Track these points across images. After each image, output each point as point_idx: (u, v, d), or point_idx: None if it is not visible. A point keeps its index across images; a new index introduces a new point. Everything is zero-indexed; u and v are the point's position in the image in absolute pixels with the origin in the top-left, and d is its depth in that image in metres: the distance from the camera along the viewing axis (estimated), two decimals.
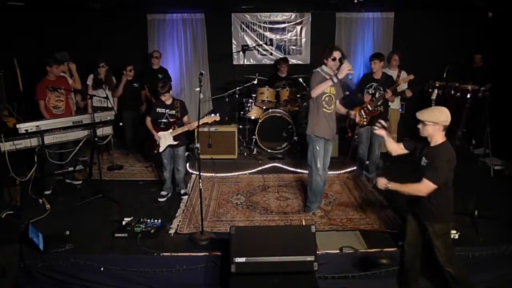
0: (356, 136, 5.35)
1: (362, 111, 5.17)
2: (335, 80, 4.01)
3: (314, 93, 4.10)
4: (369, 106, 5.11)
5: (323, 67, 4.20)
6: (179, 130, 4.75)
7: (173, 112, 4.76)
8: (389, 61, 5.78)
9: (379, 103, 5.08)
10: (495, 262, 3.59)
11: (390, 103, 5.35)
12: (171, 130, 4.76)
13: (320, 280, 3.38)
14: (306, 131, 4.38)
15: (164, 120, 4.77)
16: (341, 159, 6.06)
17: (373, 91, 5.12)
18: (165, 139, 4.78)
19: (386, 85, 5.06)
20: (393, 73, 5.49)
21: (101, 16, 6.86)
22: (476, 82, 6.29)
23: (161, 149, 4.80)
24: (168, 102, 4.75)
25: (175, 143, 4.80)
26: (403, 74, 5.37)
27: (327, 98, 4.18)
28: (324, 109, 4.20)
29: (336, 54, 4.07)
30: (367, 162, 5.51)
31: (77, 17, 6.90)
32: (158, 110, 4.77)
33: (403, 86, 5.51)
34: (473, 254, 3.57)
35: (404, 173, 5.67)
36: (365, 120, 5.17)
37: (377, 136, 5.21)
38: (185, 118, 4.86)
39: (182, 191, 5.03)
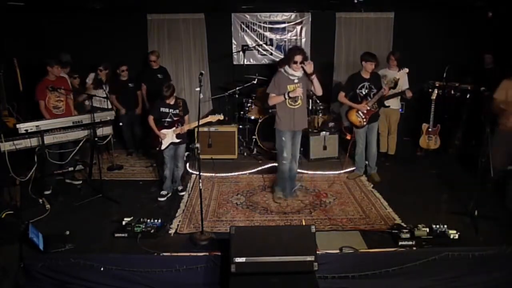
0: (353, 135, 5.40)
1: (360, 112, 5.18)
2: (287, 97, 4.44)
3: (270, 102, 4.62)
4: (367, 106, 5.13)
5: (287, 67, 4.48)
6: (182, 129, 4.78)
7: (177, 111, 4.79)
8: (388, 61, 5.80)
9: (375, 100, 5.13)
10: (495, 262, 3.59)
11: (386, 103, 5.38)
12: (174, 128, 4.77)
13: (320, 280, 3.38)
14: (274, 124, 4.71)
15: (168, 120, 4.79)
16: (341, 158, 6.07)
17: (366, 91, 5.15)
18: (168, 137, 4.80)
19: (377, 83, 5.11)
20: (393, 73, 5.50)
21: (101, 16, 6.86)
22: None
23: (163, 147, 4.82)
24: (172, 102, 4.77)
25: (178, 141, 4.84)
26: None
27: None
28: (290, 106, 4.52)
29: (298, 58, 4.36)
30: (366, 162, 5.53)
31: (77, 17, 6.90)
32: (162, 109, 4.78)
33: (403, 85, 5.51)
34: (473, 254, 3.57)
35: (404, 173, 5.74)
36: (364, 120, 5.19)
37: (373, 134, 5.30)
38: (186, 117, 4.90)
39: (180, 188, 5.08)
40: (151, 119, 4.82)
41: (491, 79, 6.28)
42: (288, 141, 4.63)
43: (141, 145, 6.55)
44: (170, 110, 4.78)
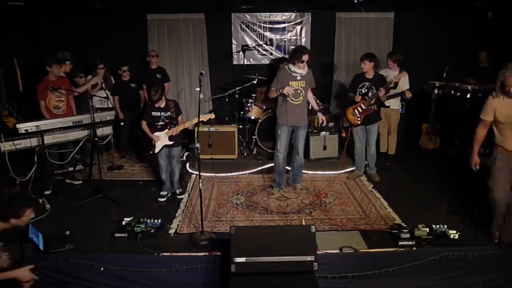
0: (349, 134, 5.41)
1: (356, 110, 5.20)
2: (278, 92, 4.70)
3: (269, 95, 4.93)
4: (362, 105, 5.14)
5: (291, 65, 4.74)
6: (175, 130, 4.72)
7: (168, 113, 4.74)
8: (387, 62, 5.79)
9: (372, 101, 5.12)
10: (495, 262, 3.59)
11: (386, 103, 5.39)
12: (166, 130, 4.74)
13: (320, 280, 3.38)
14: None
15: (160, 123, 4.75)
16: (341, 158, 6.07)
17: (366, 90, 5.16)
18: (160, 139, 4.76)
19: (378, 84, 5.11)
20: (394, 73, 5.50)
21: (101, 16, 6.86)
22: (483, 82, 6.24)
23: (156, 150, 4.78)
24: (163, 105, 4.73)
25: (171, 143, 4.79)
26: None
27: (294, 92, 4.69)
28: (291, 101, 4.73)
29: (305, 57, 4.64)
30: (366, 162, 5.53)
31: (77, 17, 6.90)
32: (154, 113, 4.73)
33: (403, 85, 5.51)
34: (473, 254, 3.57)
35: (404, 173, 5.74)
36: (359, 119, 5.21)
37: (372, 135, 5.31)
38: (179, 118, 4.85)
39: (178, 191, 5.04)
40: (144, 124, 4.79)
41: (486, 78, 6.32)
42: (284, 134, 4.86)
43: (136, 148, 6.50)
44: (162, 113, 4.73)
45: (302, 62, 4.64)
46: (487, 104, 3.65)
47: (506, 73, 3.44)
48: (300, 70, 4.71)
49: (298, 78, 4.74)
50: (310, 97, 5.05)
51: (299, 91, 4.75)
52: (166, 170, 4.93)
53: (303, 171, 5.40)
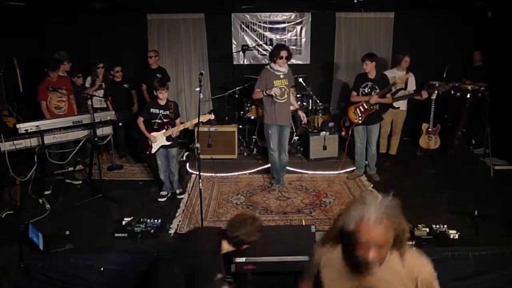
0: (350, 133, 5.40)
1: (358, 109, 5.20)
2: (265, 94, 4.80)
3: (254, 96, 5.02)
4: (364, 104, 5.13)
5: (272, 64, 4.84)
6: (174, 131, 4.71)
7: (167, 112, 4.73)
8: (400, 62, 5.73)
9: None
10: (495, 262, 3.58)
11: (396, 104, 5.42)
12: (164, 130, 4.72)
13: None
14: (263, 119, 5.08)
15: (157, 121, 4.73)
16: (341, 158, 6.07)
17: (368, 90, 5.15)
18: (158, 140, 4.75)
19: (381, 84, 5.10)
20: (401, 74, 5.49)
21: (101, 16, 6.86)
22: (475, 81, 6.29)
23: (153, 150, 4.77)
24: (163, 102, 4.71)
25: (168, 143, 4.78)
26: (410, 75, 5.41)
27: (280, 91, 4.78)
28: (277, 100, 4.81)
29: (283, 54, 4.73)
30: (366, 162, 5.53)
31: (77, 17, 6.90)
32: (152, 110, 4.72)
33: (409, 87, 5.51)
34: (473, 254, 3.57)
35: (404, 173, 5.74)
36: (360, 118, 5.21)
37: (373, 136, 5.30)
38: (177, 121, 4.83)
39: (178, 191, 5.04)
40: (140, 120, 4.77)
41: (479, 77, 6.35)
42: (274, 133, 4.95)
43: (133, 149, 6.48)
44: (161, 111, 4.71)
45: (281, 58, 4.72)
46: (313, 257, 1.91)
47: (364, 216, 1.57)
48: (282, 68, 4.80)
49: (282, 76, 4.83)
50: (292, 98, 5.16)
51: (283, 89, 4.84)
52: (165, 170, 4.92)
53: (303, 171, 5.41)
